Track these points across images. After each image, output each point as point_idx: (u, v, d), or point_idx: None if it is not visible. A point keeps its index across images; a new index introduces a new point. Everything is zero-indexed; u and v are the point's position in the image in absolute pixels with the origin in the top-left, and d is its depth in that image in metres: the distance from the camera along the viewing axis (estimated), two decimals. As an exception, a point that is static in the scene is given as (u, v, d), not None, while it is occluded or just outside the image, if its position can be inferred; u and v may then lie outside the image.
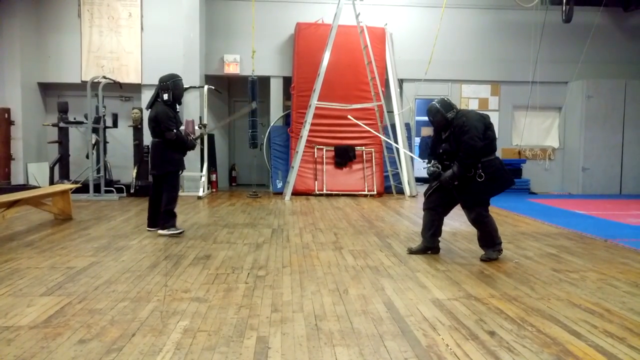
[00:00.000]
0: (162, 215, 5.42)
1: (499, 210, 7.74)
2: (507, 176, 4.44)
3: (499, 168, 4.36)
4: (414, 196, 9.58)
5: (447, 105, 4.44)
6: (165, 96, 5.40)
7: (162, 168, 5.44)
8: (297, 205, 8.18)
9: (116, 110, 9.83)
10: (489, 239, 4.45)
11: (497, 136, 4.77)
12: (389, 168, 9.85)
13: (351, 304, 3.18)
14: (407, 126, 10.38)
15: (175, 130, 5.37)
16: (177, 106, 5.57)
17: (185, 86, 9.42)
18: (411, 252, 4.65)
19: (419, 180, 11.17)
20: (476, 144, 4.20)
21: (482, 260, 4.40)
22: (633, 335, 2.71)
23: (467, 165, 4.25)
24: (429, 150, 4.97)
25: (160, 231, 5.40)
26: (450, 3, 9.70)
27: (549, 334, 2.71)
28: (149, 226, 5.64)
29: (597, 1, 9.91)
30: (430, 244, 4.61)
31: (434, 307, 3.14)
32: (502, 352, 2.46)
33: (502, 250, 4.53)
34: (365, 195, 9.51)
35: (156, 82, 5.58)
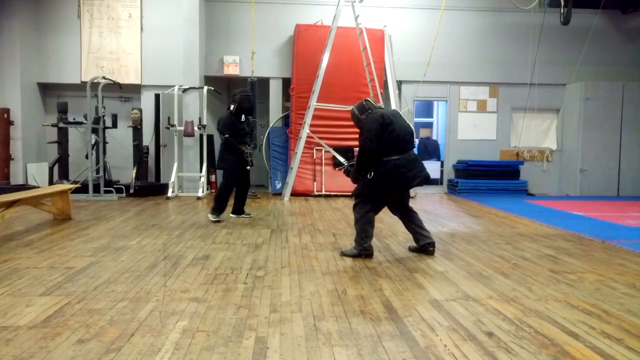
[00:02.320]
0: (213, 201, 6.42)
1: (497, 212, 7.76)
2: (397, 178, 4.36)
3: (391, 169, 4.33)
4: (412, 197, 9.59)
5: (362, 107, 4.57)
6: (232, 107, 6.36)
7: (220, 164, 6.46)
8: (296, 206, 8.19)
9: (116, 110, 9.84)
10: (357, 235, 4.51)
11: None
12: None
13: (349, 304, 3.19)
14: (406, 127, 10.38)
15: (227, 136, 6.25)
16: (244, 116, 6.42)
17: (184, 87, 9.55)
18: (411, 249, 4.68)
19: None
20: (366, 145, 4.31)
21: (340, 253, 4.58)
22: (630, 336, 2.72)
23: (360, 165, 4.42)
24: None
25: (208, 214, 6.45)
26: (449, 5, 9.73)
27: (547, 334, 2.72)
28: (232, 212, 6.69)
29: (595, 3, 9.95)
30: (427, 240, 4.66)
31: (432, 307, 3.15)
32: (500, 353, 2.47)
33: (368, 254, 4.45)
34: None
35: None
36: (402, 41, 10.59)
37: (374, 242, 5.25)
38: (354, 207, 4.59)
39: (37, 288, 3.45)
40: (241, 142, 6.37)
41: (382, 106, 4.64)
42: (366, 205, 4.49)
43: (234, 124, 6.33)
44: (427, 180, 4.65)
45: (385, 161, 4.33)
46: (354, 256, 4.49)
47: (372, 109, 4.53)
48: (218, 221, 6.29)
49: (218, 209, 6.35)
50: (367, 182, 4.47)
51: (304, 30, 10.08)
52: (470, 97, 11.01)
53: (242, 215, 6.70)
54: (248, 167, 6.45)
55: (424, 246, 4.64)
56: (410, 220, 4.71)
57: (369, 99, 4.74)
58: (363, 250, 4.47)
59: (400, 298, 3.34)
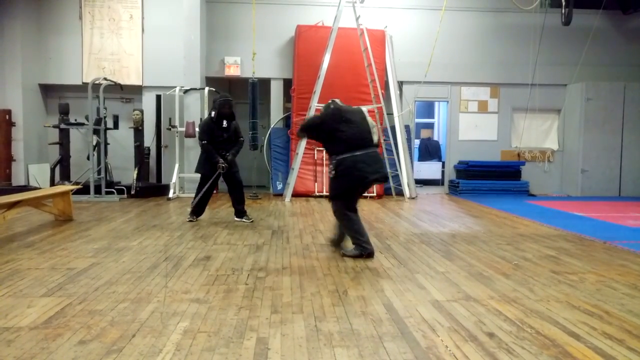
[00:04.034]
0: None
1: (498, 212, 7.76)
2: (356, 173, 4.43)
3: (350, 166, 4.43)
4: (413, 198, 9.60)
5: (326, 106, 4.81)
6: (212, 113, 6.31)
7: (197, 168, 6.57)
8: (297, 207, 8.20)
9: (117, 111, 9.85)
10: (351, 237, 4.56)
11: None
12: (388, 170, 9.85)
13: (351, 305, 3.19)
14: (407, 128, 10.40)
15: (204, 142, 6.24)
16: (225, 122, 6.29)
17: (185, 88, 9.56)
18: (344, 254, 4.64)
19: (418, 182, 11.20)
20: (312, 122, 4.81)
21: (342, 255, 4.58)
22: (632, 337, 2.72)
23: (304, 128, 4.77)
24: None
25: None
26: (450, 6, 9.73)
27: (548, 335, 2.72)
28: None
29: (597, 4, 9.94)
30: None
31: (433, 308, 3.15)
32: (501, 354, 2.47)
33: (368, 253, 4.46)
34: (365, 197, 9.52)
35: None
36: (403, 42, 10.59)
37: (375, 242, 5.25)
38: (334, 212, 4.72)
39: (38, 289, 3.45)
40: (219, 149, 6.24)
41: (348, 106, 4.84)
42: (340, 206, 4.59)
43: (212, 130, 6.21)
44: (385, 179, 4.82)
45: (344, 158, 4.44)
46: (355, 256, 4.49)
47: (338, 105, 4.71)
48: (190, 221, 6.40)
49: (194, 211, 6.48)
50: (332, 184, 4.61)
51: (305, 31, 10.09)
52: (471, 98, 11.01)
53: (242, 219, 6.46)
54: (220, 172, 6.27)
55: (337, 244, 4.84)
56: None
57: (336, 100, 4.85)
58: (363, 250, 4.47)
59: (401, 299, 3.34)
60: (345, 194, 4.55)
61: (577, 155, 10.71)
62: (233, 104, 6.42)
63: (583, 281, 3.84)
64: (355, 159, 4.41)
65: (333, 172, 4.50)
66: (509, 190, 10.51)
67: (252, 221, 6.46)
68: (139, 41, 10.00)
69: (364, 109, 4.79)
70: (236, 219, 6.55)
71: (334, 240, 4.94)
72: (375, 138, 4.57)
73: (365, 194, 9.50)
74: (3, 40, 9.43)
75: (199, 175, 6.48)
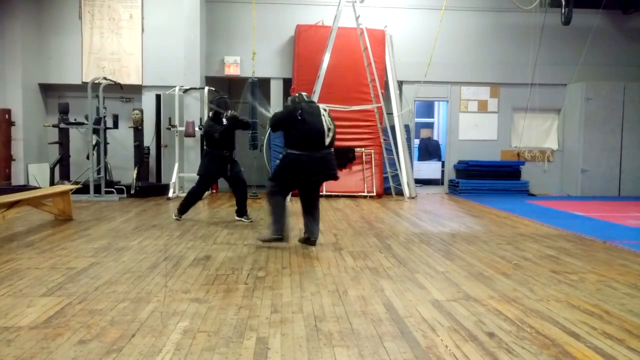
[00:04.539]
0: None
1: (498, 212, 7.76)
2: (296, 171, 4.71)
3: (292, 162, 4.71)
4: (413, 198, 9.60)
5: (292, 99, 5.02)
6: (210, 114, 6.61)
7: (199, 170, 6.58)
8: (297, 207, 8.15)
9: (117, 111, 9.84)
10: (270, 216, 4.86)
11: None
12: (388, 169, 9.87)
13: (350, 305, 3.19)
14: (407, 128, 10.40)
15: (219, 130, 6.27)
16: (225, 120, 6.43)
17: (185, 88, 9.56)
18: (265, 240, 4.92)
19: (418, 181, 11.20)
20: (270, 122, 4.92)
21: (258, 239, 4.94)
22: (632, 336, 2.72)
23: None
24: None
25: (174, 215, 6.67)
26: (450, 5, 9.73)
27: (548, 335, 2.72)
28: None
29: (597, 3, 9.94)
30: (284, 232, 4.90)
31: (433, 308, 3.15)
32: (501, 353, 2.47)
33: (279, 237, 4.78)
34: (365, 197, 9.52)
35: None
36: (403, 41, 10.59)
37: (375, 241, 5.26)
38: (267, 192, 5.01)
39: (38, 289, 3.45)
40: (220, 147, 6.35)
41: (312, 101, 5.07)
42: (274, 188, 4.86)
43: (213, 126, 6.38)
44: (330, 178, 4.99)
45: (290, 153, 4.73)
46: (268, 240, 4.83)
47: (302, 102, 4.87)
48: (177, 219, 6.49)
49: (181, 210, 6.55)
50: (275, 168, 4.99)
51: (305, 30, 10.09)
52: (471, 98, 11.01)
53: (242, 219, 6.49)
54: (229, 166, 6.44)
55: (308, 238, 4.96)
56: (308, 213, 5.00)
57: (303, 94, 5.03)
58: (275, 233, 4.78)
59: (401, 298, 3.33)
60: (282, 183, 4.84)
61: (577, 155, 10.71)
62: (229, 102, 6.67)
63: (583, 281, 3.84)
64: (298, 159, 4.69)
65: (278, 160, 4.89)
66: (509, 190, 10.51)
67: (251, 221, 6.46)
68: (138, 41, 9.99)
69: (324, 108, 4.93)
70: (237, 217, 6.57)
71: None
72: (327, 140, 4.76)
73: (365, 194, 9.52)
74: (3, 39, 9.42)
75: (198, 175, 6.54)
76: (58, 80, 10.02)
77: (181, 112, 9.61)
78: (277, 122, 4.88)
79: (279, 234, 4.79)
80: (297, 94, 5.03)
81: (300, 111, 4.70)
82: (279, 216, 4.81)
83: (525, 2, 9.38)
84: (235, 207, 6.59)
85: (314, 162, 4.70)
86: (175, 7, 9.82)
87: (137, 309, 3.04)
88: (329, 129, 4.75)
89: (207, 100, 9.68)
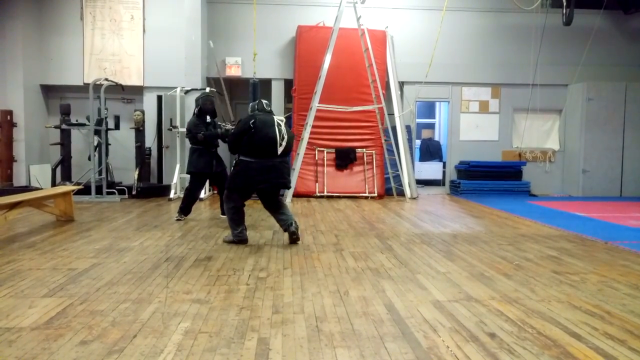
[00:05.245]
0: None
1: (499, 213, 7.75)
2: (245, 179, 4.94)
3: (243, 169, 4.94)
4: (414, 198, 9.59)
5: (252, 106, 5.22)
6: (195, 110, 6.59)
7: (188, 169, 6.62)
8: (298, 207, 8.19)
9: (118, 112, 9.85)
10: (230, 223, 5.09)
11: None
12: (389, 170, 9.87)
13: (352, 305, 3.19)
14: (408, 128, 10.39)
15: (201, 133, 6.37)
16: (208, 118, 6.60)
17: (186, 89, 9.57)
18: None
19: (419, 182, 11.20)
20: (229, 137, 5.14)
21: (223, 241, 5.16)
22: (633, 337, 2.72)
23: (229, 143, 5.19)
24: None
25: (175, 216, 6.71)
26: (451, 6, 9.72)
27: (550, 336, 2.72)
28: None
29: (598, 4, 9.94)
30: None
31: (434, 308, 3.15)
32: (502, 354, 2.47)
33: (241, 240, 5.03)
34: (366, 197, 9.52)
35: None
36: (404, 42, 10.59)
37: (376, 242, 5.26)
38: (224, 197, 5.27)
39: (39, 289, 3.45)
40: (209, 145, 6.48)
41: (270, 111, 5.24)
42: (231, 196, 5.07)
43: (198, 126, 6.45)
44: (281, 187, 5.15)
45: (241, 160, 4.97)
46: (231, 242, 5.06)
47: (259, 110, 5.08)
48: (179, 220, 6.55)
49: (182, 210, 6.62)
50: (229, 177, 5.24)
51: (306, 31, 10.10)
52: (472, 98, 11.01)
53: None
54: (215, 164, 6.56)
55: (287, 229, 5.10)
56: (275, 212, 5.20)
57: (263, 101, 5.24)
58: (236, 237, 5.03)
59: (402, 299, 3.33)
60: (237, 189, 5.03)
61: (578, 156, 10.70)
62: (214, 100, 6.79)
63: (584, 281, 3.83)
64: (249, 166, 4.91)
65: (232, 167, 5.11)
66: (510, 191, 10.50)
67: None
68: (140, 42, 10.01)
69: (280, 119, 5.08)
70: (221, 216, 6.72)
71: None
72: (279, 150, 4.90)
73: (366, 195, 9.52)
74: (4, 40, 9.44)
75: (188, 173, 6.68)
76: (59, 81, 10.03)
77: (182, 113, 9.62)
78: (234, 142, 4.99)
79: (242, 236, 5.07)
80: (257, 101, 5.23)
81: (253, 120, 4.88)
82: (238, 222, 5.07)
83: (527, 2, 9.38)
84: (220, 207, 6.76)
85: (264, 170, 4.91)
86: (176, 8, 9.83)
87: (138, 310, 3.05)
88: (282, 138, 4.92)
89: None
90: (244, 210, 5.15)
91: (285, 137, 4.95)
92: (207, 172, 6.59)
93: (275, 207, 5.19)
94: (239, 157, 4.99)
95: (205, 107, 6.53)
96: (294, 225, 5.09)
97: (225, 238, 5.22)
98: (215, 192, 10.15)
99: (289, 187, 5.29)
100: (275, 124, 4.95)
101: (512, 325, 2.86)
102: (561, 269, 4.23)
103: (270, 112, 5.17)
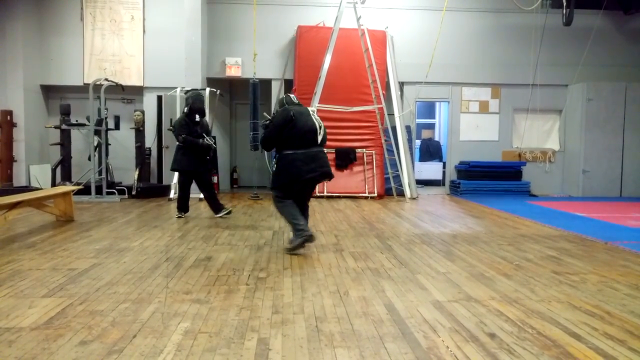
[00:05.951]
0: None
1: (499, 213, 7.75)
2: (293, 170, 4.66)
3: (289, 162, 4.68)
4: (414, 198, 9.59)
5: (281, 101, 5.06)
6: (185, 109, 6.63)
7: (172, 166, 6.72)
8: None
9: (118, 112, 9.87)
10: (289, 223, 4.77)
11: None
12: (389, 170, 9.87)
13: (352, 305, 3.19)
14: (408, 129, 10.40)
15: (183, 136, 6.44)
16: (198, 117, 6.62)
17: (186, 89, 9.56)
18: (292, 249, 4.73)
19: (419, 182, 11.20)
20: (269, 134, 4.81)
21: (288, 251, 4.74)
22: (633, 337, 2.72)
23: (263, 140, 4.93)
24: None
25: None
26: (451, 6, 9.74)
27: (549, 336, 2.72)
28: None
29: (598, 4, 9.95)
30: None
31: (434, 309, 3.15)
32: (502, 354, 2.47)
33: (306, 237, 4.59)
34: (366, 197, 9.52)
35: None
36: (404, 42, 10.59)
37: (376, 242, 5.26)
38: (273, 201, 4.96)
39: (39, 289, 3.45)
40: (192, 148, 6.54)
41: (299, 103, 5.10)
42: (278, 196, 4.83)
43: (188, 125, 6.52)
44: (326, 176, 4.88)
45: (284, 155, 4.72)
46: (299, 246, 4.63)
47: (289, 103, 4.93)
48: (179, 217, 6.76)
49: (179, 208, 6.82)
50: (273, 176, 4.91)
51: (306, 31, 10.10)
52: (472, 98, 11.01)
53: (221, 214, 6.82)
54: (207, 157, 6.70)
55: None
56: (305, 210, 4.96)
57: (290, 95, 5.10)
58: (302, 235, 4.58)
59: (402, 299, 3.33)
60: (282, 187, 4.78)
61: (578, 156, 10.70)
62: (204, 99, 6.83)
63: (584, 282, 3.83)
64: (294, 157, 4.66)
65: (275, 166, 4.85)
66: (510, 191, 10.50)
67: (230, 212, 6.90)
68: (140, 42, 10.02)
69: (312, 109, 5.01)
70: (215, 216, 6.81)
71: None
72: (319, 138, 4.77)
73: (366, 195, 9.52)
74: (4, 41, 9.45)
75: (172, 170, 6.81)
76: (59, 81, 10.04)
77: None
78: (275, 137, 4.74)
79: (307, 232, 4.62)
80: (284, 96, 5.07)
81: (292, 112, 4.73)
82: (296, 219, 4.67)
83: (527, 2, 9.38)
84: (210, 207, 6.89)
85: (309, 160, 4.67)
86: (176, 9, 9.84)
87: (138, 310, 3.05)
88: (320, 127, 4.80)
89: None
90: (295, 206, 4.79)
91: (322, 125, 4.82)
92: (189, 170, 6.65)
93: (305, 205, 4.94)
94: (281, 152, 4.73)
95: (194, 106, 6.55)
96: (312, 240, 4.80)
97: (289, 244, 4.77)
98: (216, 192, 10.15)
99: (332, 177, 4.98)
100: (311, 113, 4.85)
101: (512, 326, 2.86)
102: (561, 269, 4.23)
103: (300, 104, 5.04)
